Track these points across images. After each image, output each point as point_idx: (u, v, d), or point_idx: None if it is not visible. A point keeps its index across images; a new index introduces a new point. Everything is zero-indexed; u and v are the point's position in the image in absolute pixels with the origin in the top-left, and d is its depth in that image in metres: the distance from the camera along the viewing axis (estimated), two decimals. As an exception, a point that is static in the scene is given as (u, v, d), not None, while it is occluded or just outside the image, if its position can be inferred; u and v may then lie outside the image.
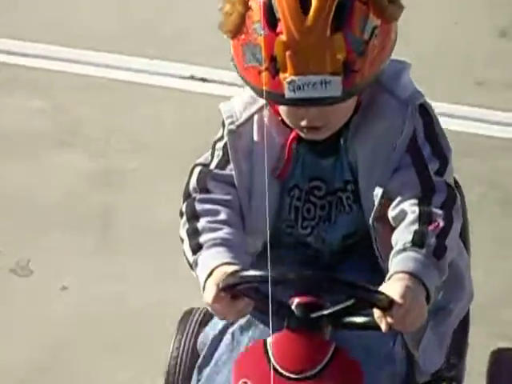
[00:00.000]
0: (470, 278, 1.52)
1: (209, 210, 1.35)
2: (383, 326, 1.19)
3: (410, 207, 1.28)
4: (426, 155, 1.34)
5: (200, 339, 1.47)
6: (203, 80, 3.42)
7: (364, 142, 1.35)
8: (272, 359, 1.21)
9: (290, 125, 1.34)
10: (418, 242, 1.24)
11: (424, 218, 1.26)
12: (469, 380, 1.69)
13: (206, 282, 1.26)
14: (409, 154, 1.33)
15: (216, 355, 1.40)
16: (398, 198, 1.31)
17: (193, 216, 1.35)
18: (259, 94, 1.28)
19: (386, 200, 1.32)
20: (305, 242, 1.43)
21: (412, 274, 1.20)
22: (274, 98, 1.28)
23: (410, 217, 1.27)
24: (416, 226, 1.25)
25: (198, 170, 1.40)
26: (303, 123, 1.30)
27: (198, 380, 1.41)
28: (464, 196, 1.60)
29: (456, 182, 1.50)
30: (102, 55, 3.57)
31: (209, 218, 1.34)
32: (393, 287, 1.19)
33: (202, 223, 1.33)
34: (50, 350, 2.42)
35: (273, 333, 1.20)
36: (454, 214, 1.30)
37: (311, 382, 1.20)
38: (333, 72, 1.22)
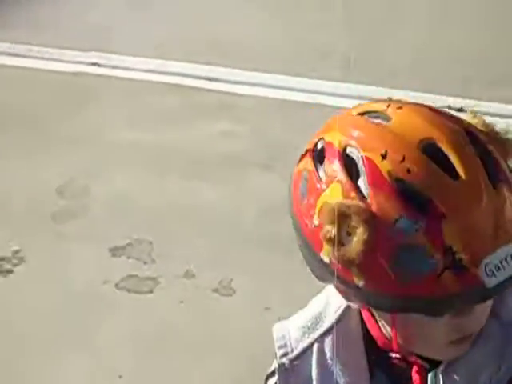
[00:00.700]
0: None
1: None
2: None
3: None
4: None
5: None
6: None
7: (458, 370, 1.00)
8: None
9: (438, 342, 0.96)
10: None
11: None
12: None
13: None
14: None
15: None
16: None
17: None
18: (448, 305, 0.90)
19: None
20: None
21: None
22: (468, 298, 0.89)
23: None
24: None
25: None
26: (461, 333, 0.95)
27: None
28: None
29: None
30: (296, 79, 3.86)
31: None
32: None
33: None
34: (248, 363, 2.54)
35: None
36: None
37: None
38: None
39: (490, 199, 0.88)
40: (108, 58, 4.53)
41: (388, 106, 0.94)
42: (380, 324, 0.99)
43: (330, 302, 1.06)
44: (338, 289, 0.95)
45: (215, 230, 3.07)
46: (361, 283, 0.89)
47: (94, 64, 4.48)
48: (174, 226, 3.18)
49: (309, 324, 1.07)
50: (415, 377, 1.00)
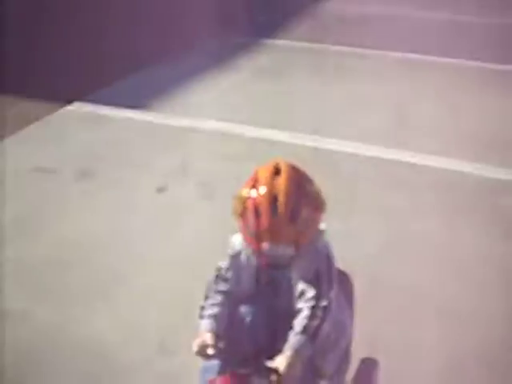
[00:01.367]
0: (351, 325, 2.69)
1: (213, 297, 2.52)
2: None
3: (306, 306, 2.35)
4: (323, 281, 2.39)
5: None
6: None
7: (297, 265, 2.41)
8: None
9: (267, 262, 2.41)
10: (304, 331, 2.29)
11: (311, 317, 2.32)
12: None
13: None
14: (315, 278, 2.39)
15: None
16: (303, 298, 2.38)
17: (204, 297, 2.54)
18: (252, 249, 2.38)
19: (300, 295, 2.40)
20: (265, 303, 2.51)
21: (296, 350, 2.26)
22: (259, 253, 2.35)
23: (305, 313, 2.33)
24: (306, 321, 2.31)
25: (216, 270, 2.56)
26: (273, 261, 2.39)
27: None
28: (352, 279, 2.78)
29: (344, 273, 2.74)
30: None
31: (210, 301, 2.51)
32: (281, 360, 2.25)
33: (206, 303, 2.51)
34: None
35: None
36: (328, 314, 2.35)
37: None
38: (289, 243, 2.31)
39: (282, 228, 2.29)
40: None
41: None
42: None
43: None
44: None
45: None
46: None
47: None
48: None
49: (240, 239, 2.47)
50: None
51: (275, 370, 2.22)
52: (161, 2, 9.88)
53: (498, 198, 5.07)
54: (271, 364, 2.24)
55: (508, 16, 10.09)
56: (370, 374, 2.94)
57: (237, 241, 2.52)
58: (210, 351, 2.33)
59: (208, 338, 2.35)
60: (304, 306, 2.35)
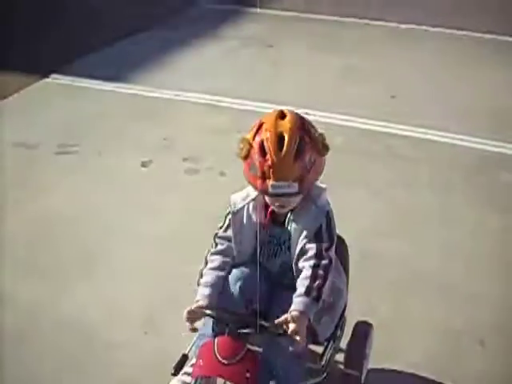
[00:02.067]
0: (346, 290, 2.73)
1: (211, 260, 2.52)
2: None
3: (308, 265, 2.37)
4: (324, 239, 2.41)
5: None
6: None
7: (297, 222, 2.45)
8: (216, 349, 2.28)
9: (271, 205, 2.45)
10: (307, 293, 2.30)
11: (313, 278, 2.33)
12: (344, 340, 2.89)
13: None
14: (315, 236, 2.41)
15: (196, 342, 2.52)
16: (304, 257, 2.41)
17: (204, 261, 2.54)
18: (256, 189, 2.37)
19: (300, 253, 2.42)
20: (262, 263, 2.54)
21: (302, 312, 2.25)
22: (264, 192, 2.36)
23: (307, 272, 2.35)
24: (307, 282, 2.33)
25: (216, 231, 2.56)
26: (277, 204, 2.42)
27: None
28: (347, 245, 2.82)
29: (340, 237, 2.71)
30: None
31: (208, 265, 2.51)
32: (293, 325, 2.22)
33: (205, 269, 2.51)
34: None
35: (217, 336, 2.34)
36: (330, 273, 2.36)
37: (232, 365, 2.25)
38: (294, 180, 2.30)
39: (287, 164, 2.29)
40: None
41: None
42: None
43: (250, 190, 2.49)
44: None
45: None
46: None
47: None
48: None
49: (243, 196, 2.52)
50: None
51: (282, 329, 2.22)
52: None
53: (493, 172, 5.03)
54: (278, 321, 2.23)
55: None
56: (365, 337, 2.97)
57: (238, 198, 2.53)
58: (198, 319, 2.35)
59: (198, 306, 2.35)
60: (306, 265, 2.37)
